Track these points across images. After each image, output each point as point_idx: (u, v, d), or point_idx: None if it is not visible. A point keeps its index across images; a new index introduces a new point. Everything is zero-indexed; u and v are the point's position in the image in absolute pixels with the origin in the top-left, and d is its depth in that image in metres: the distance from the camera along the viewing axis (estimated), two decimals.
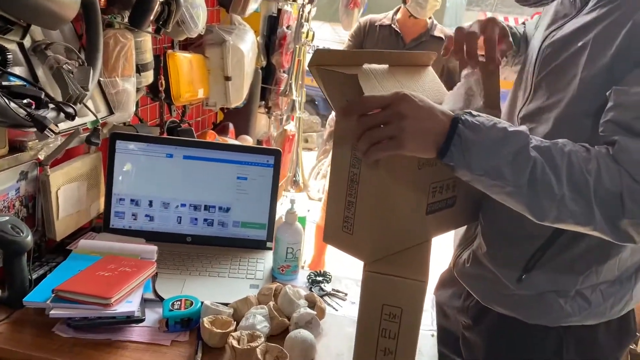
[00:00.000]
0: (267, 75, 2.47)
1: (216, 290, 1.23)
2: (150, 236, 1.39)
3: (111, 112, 1.27)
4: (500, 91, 1.05)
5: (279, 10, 2.44)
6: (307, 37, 2.72)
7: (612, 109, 0.84)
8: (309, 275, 1.35)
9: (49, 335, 1.03)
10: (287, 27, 2.48)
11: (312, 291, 1.26)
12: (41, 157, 1.21)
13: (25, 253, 1.09)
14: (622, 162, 0.78)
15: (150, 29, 1.40)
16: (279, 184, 1.48)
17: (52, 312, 1.02)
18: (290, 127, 2.96)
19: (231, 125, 2.17)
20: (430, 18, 2.85)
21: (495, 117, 0.86)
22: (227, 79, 1.86)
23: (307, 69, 0.99)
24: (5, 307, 1.09)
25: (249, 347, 0.97)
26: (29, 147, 1.17)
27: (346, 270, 1.50)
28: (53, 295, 1.04)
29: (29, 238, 1.09)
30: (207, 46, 1.84)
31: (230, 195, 1.43)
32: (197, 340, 1.04)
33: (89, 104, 1.19)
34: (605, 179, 0.79)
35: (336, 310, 1.23)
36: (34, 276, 1.16)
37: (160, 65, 1.60)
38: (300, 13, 2.64)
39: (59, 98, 1.05)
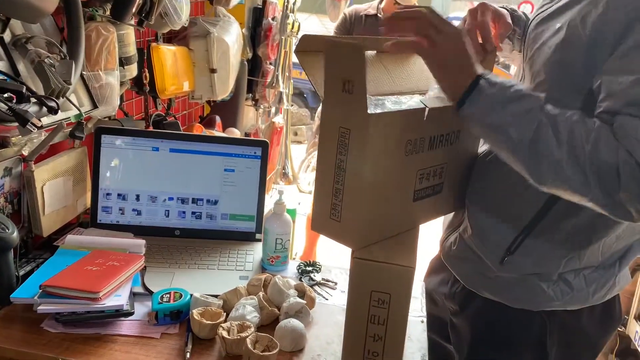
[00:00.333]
0: (254, 67, 2.46)
1: (205, 282, 1.23)
2: (138, 230, 1.38)
3: (95, 106, 1.26)
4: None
5: (264, 2, 2.43)
6: (292, 28, 2.71)
7: (604, 100, 0.84)
8: (299, 265, 1.35)
9: (37, 331, 1.02)
10: (273, 19, 2.47)
11: (301, 281, 1.26)
12: (25, 152, 1.20)
13: (11, 249, 1.09)
14: (620, 138, 0.79)
15: (132, 22, 1.39)
16: (268, 177, 1.47)
17: (40, 307, 1.01)
18: (278, 119, 2.95)
19: (218, 118, 2.16)
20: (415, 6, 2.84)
21: None
22: (213, 71, 1.85)
23: (295, 54, 0.97)
24: None
25: (239, 337, 0.97)
26: (12, 143, 1.16)
27: (337, 261, 1.50)
28: (40, 290, 1.03)
29: (15, 234, 1.08)
30: (191, 38, 1.82)
31: (218, 187, 1.43)
32: (187, 332, 1.04)
33: (72, 98, 1.18)
34: (603, 150, 0.79)
35: (326, 299, 1.23)
36: (21, 273, 1.16)
37: (144, 58, 1.59)
38: (285, 4, 2.62)
39: (41, 92, 1.04)
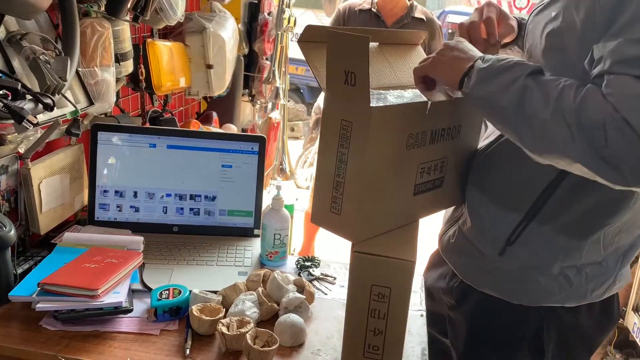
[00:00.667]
0: (250, 63, 2.45)
1: (204, 278, 1.22)
2: (136, 227, 1.38)
3: (91, 103, 1.25)
4: None
5: None
6: (289, 23, 2.70)
7: (595, 66, 0.83)
8: (298, 260, 1.35)
9: (36, 329, 1.02)
10: (269, 14, 2.46)
11: (300, 276, 1.26)
12: (21, 150, 1.19)
13: (8, 247, 1.08)
14: (608, 95, 0.78)
15: (127, 18, 1.38)
16: (265, 173, 1.47)
17: (38, 305, 1.01)
18: (275, 115, 2.94)
19: (215, 114, 2.15)
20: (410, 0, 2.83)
21: None
22: (209, 67, 1.84)
23: (298, 44, 0.97)
24: None
25: (238, 333, 0.97)
26: (8, 141, 1.15)
27: (336, 256, 1.50)
28: (39, 288, 1.03)
29: (12, 232, 1.07)
30: (187, 34, 1.82)
31: (215, 183, 1.42)
32: (187, 329, 1.04)
33: (68, 95, 1.17)
34: (590, 107, 0.78)
35: (325, 294, 1.23)
36: (19, 271, 1.15)
37: (140, 54, 1.58)
38: None
39: (37, 89, 1.03)
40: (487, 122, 1.15)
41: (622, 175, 0.77)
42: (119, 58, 1.37)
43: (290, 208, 2.37)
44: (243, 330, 0.98)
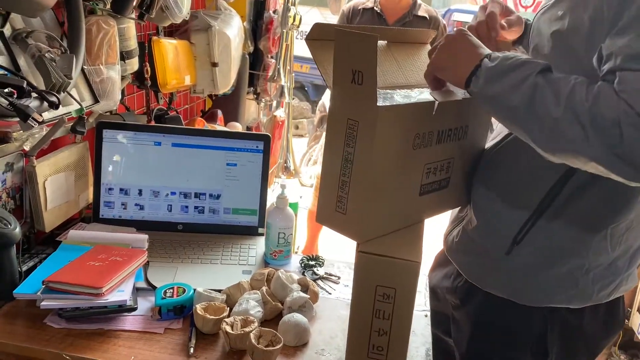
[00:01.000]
0: (255, 61, 2.45)
1: (208, 277, 1.22)
2: (140, 225, 1.38)
3: (96, 101, 1.25)
4: None
5: None
6: (294, 21, 2.69)
7: (605, 63, 0.83)
8: (302, 259, 1.35)
9: (40, 327, 1.02)
10: (274, 12, 2.45)
11: (304, 275, 1.26)
12: (26, 147, 1.19)
13: (14, 245, 1.08)
14: (621, 92, 0.77)
15: (133, 15, 1.38)
16: (270, 171, 1.47)
17: (43, 303, 1.01)
18: (280, 113, 2.94)
19: (220, 112, 2.15)
20: None
21: None
22: (214, 65, 1.83)
23: (306, 42, 0.97)
24: None
25: (242, 332, 0.97)
26: (13, 138, 1.15)
27: (339, 255, 1.50)
28: (43, 286, 1.03)
29: (17, 230, 1.07)
30: (192, 32, 1.81)
31: (220, 182, 1.42)
32: (191, 327, 1.04)
33: (73, 92, 1.17)
34: (603, 105, 0.77)
35: (329, 293, 1.23)
36: (24, 268, 1.15)
37: (146, 52, 1.57)
38: None
39: (42, 87, 1.03)
40: (494, 122, 1.14)
41: (638, 171, 0.76)
42: (125, 56, 1.37)
43: (294, 206, 2.37)
44: (247, 329, 0.98)
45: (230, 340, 0.97)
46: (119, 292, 1.06)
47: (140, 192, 1.40)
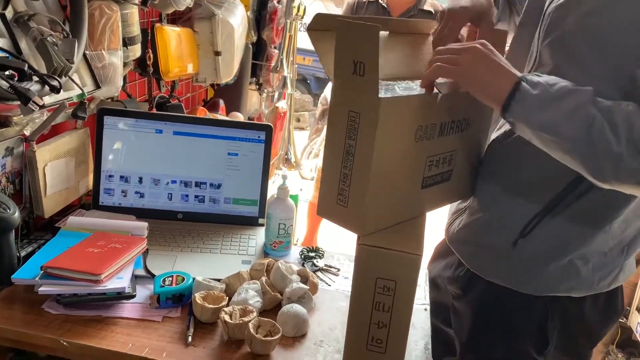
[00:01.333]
0: (258, 51, 2.43)
1: (208, 266, 1.22)
2: (140, 213, 1.37)
3: (98, 87, 1.24)
4: None
5: None
6: (298, 12, 2.68)
7: None
8: (302, 251, 1.34)
9: (38, 312, 1.01)
10: (278, 2, 2.43)
11: (304, 267, 1.25)
12: (27, 132, 1.18)
13: (12, 230, 1.08)
14: None
15: (136, 1, 1.37)
16: (271, 162, 1.46)
17: (41, 288, 1.01)
18: (282, 104, 2.93)
19: (222, 102, 2.14)
20: None
21: None
22: (217, 53, 1.82)
23: (307, 32, 0.95)
24: None
25: (241, 321, 0.96)
26: (13, 122, 1.14)
27: (338, 247, 1.49)
28: (42, 272, 1.03)
29: (17, 214, 1.07)
30: (196, 20, 1.80)
31: (221, 171, 1.42)
32: (189, 316, 1.03)
33: (75, 77, 1.16)
34: None
35: (329, 285, 1.22)
36: (22, 254, 1.15)
37: (148, 39, 1.56)
38: None
39: (43, 71, 1.02)
40: (496, 113, 1.12)
41: None
42: (127, 42, 1.36)
43: (294, 198, 2.36)
44: (246, 319, 0.97)
45: (229, 329, 0.97)
46: (118, 280, 1.05)
47: (140, 180, 1.40)
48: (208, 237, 1.34)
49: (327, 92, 3.69)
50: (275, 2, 2.41)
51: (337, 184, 0.90)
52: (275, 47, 2.52)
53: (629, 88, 0.84)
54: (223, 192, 1.42)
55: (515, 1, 1.20)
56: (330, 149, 0.90)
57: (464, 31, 1.09)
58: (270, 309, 1.08)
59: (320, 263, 1.30)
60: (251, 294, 1.05)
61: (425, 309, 1.16)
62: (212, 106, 2.12)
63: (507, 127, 1.06)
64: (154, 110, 1.68)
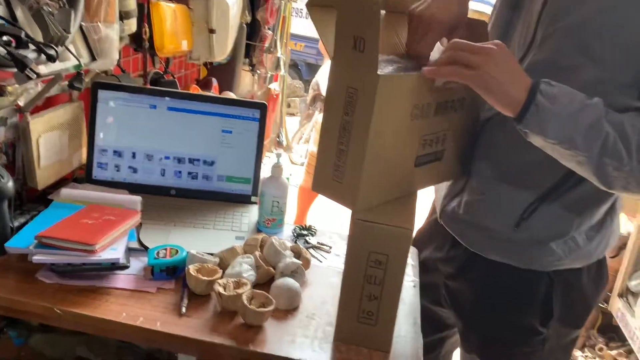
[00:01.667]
0: (252, 31, 2.43)
1: (201, 241, 1.23)
2: (133, 188, 1.37)
3: (94, 59, 1.24)
4: None
5: None
6: None
7: None
8: (294, 229, 1.36)
9: (32, 281, 1.02)
10: None
11: (297, 243, 1.27)
12: (21, 103, 1.18)
13: (6, 199, 1.07)
14: None
15: None
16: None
17: (35, 257, 1.01)
18: (274, 86, 2.92)
19: (215, 81, 2.13)
20: None
21: None
22: (212, 31, 1.81)
23: (307, 7, 0.95)
24: None
25: (235, 293, 0.98)
26: (8, 92, 1.14)
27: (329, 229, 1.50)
28: (36, 241, 1.03)
29: (10, 184, 1.07)
30: None
31: (215, 148, 1.42)
32: (183, 288, 1.04)
33: (71, 48, 1.15)
34: None
35: (321, 262, 1.24)
36: (15, 224, 1.15)
37: (145, 14, 1.55)
38: None
39: (40, 40, 1.01)
40: None
41: None
42: (123, 16, 1.35)
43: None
44: (239, 291, 0.98)
45: (223, 301, 0.98)
46: (112, 250, 1.06)
47: (134, 155, 1.40)
48: (201, 213, 1.35)
49: (319, 77, 3.69)
50: None
51: (333, 160, 0.91)
52: (269, 28, 2.51)
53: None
54: (216, 169, 1.43)
55: None
56: (327, 124, 0.90)
57: None
58: (264, 283, 1.09)
59: (312, 240, 1.31)
60: (245, 268, 1.06)
61: (414, 286, 1.18)
62: (205, 85, 2.12)
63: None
64: (149, 86, 1.68)
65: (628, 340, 2.38)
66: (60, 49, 1.03)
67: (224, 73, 2.25)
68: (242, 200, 1.44)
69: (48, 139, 1.25)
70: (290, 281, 1.05)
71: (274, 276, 1.10)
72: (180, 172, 1.42)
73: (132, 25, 1.41)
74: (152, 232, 1.23)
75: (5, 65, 0.91)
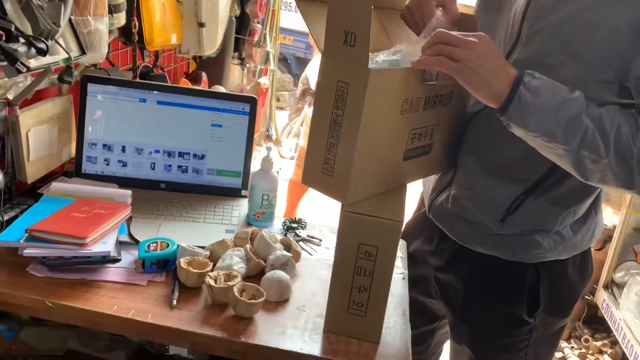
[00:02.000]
0: (241, 25, 2.42)
1: (192, 234, 1.23)
2: (123, 182, 1.37)
3: (83, 52, 1.23)
4: None
5: None
6: None
7: None
8: (284, 222, 1.37)
9: (23, 275, 1.02)
10: None
11: (287, 236, 1.28)
12: (10, 96, 1.17)
13: None
14: None
15: None
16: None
17: (26, 251, 1.01)
18: (264, 80, 2.92)
19: (204, 75, 2.13)
20: None
21: None
22: (201, 25, 1.81)
23: (296, 2, 0.96)
24: None
25: (226, 285, 0.99)
26: None
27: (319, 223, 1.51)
28: (27, 234, 1.03)
29: (0, 177, 1.06)
30: None
31: (204, 142, 1.42)
32: (174, 281, 1.05)
33: (60, 42, 1.15)
34: None
35: (311, 254, 1.25)
36: (5, 218, 1.15)
37: (134, 7, 1.55)
38: None
39: (29, 33, 1.01)
40: None
41: None
42: (112, 9, 1.35)
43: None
44: (230, 283, 0.99)
45: (214, 293, 0.99)
46: (103, 244, 1.06)
47: (123, 149, 1.40)
48: (191, 207, 1.36)
49: (308, 71, 3.69)
50: None
51: (324, 153, 0.92)
52: (258, 22, 2.51)
53: (622, 75, 0.90)
54: (206, 163, 1.43)
55: None
56: (317, 118, 0.91)
57: None
58: (254, 275, 1.10)
59: (302, 233, 1.32)
60: (235, 260, 1.07)
61: (404, 278, 1.20)
62: (194, 79, 2.11)
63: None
64: (138, 80, 1.67)
65: (613, 332, 2.43)
66: (50, 42, 1.02)
67: (214, 67, 2.25)
68: (232, 193, 1.45)
69: (37, 133, 1.25)
70: (280, 273, 1.06)
71: (264, 269, 1.11)
72: (170, 165, 1.42)
73: (121, 18, 1.41)
74: (143, 225, 1.23)
75: None
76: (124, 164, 1.40)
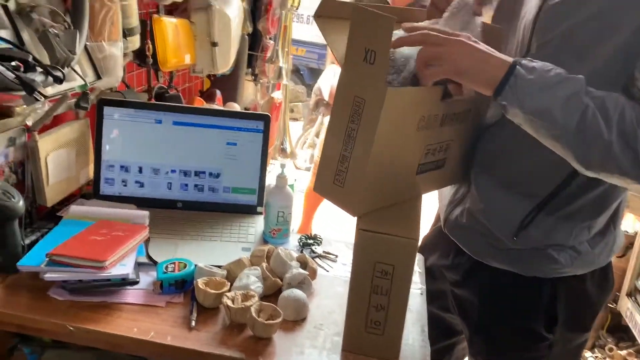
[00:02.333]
0: (254, 42, 2.45)
1: (209, 253, 1.24)
2: (141, 202, 1.39)
3: (98, 77, 1.26)
4: None
5: None
6: (293, 3, 2.69)
7: None
8: (300, 238, 1.37)
9: (44, 298, 1.03)
10: None
11: (303, 253, 1.28)
12: (29, 123, 1.20)
13: (17, 218, 1.09)
14: None
15: None
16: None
17: (46, 275, 1.03)
18: (277, 95, 2.94)
19: (219, 93, 2.16)
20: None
21: None
22: (214, 44, 1.84)
23: (314, 18, 0.96)
24: None
25: (243, 306, 0.99)
26: (16, 113, 1.16)
27: (335, 235, 1.52)
28: (47, 259, 1.05)
29: (21, 203, 1.08)
30: (192, 11, 1.81)
31: (220, 160, 1.44)
32: (192, 301, 1.06)
33: (77, 68, 1.18)
34: None
35: (327, 271, 1.25)
36: (26, 242, 1.17)
37: (147, 30, 1.58)
38: None
39: (46, 62, 1.04)
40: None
41: None
42: (126, 33, 1.37)
43: (291, 187, 2.38)
44: (248, 303, 1.00)
45: (231, 313, 1.00)
46: (121, 266, 1.08)
47: (140, 170, 1.42)
48: (208, 226, 1.37)
49: (321, 82, 3.71)
50: None
51: (336, 165, 0.92)
52: (270, 38, 2.54)
53: (625, 83, 0.88)
54: (222, 181, 1.45)
55: None
56: (332, 129, 0.92)
57: None
58: (271, 294, 1.11)
59: (318, 250, 1.32)
60: (252, 280, 1.07)
61: (422, 293, 1.19)
62: (208, 97, 2.14)
63: (495, 118, 1.08)
64: (153, 101, 1.70)
65: (638, 340, 2.38)
66: (66, 70, 1.05)
67: (227, 84, 2.27)
68: (248, 210, 1.46)
69: (56, 157, 1.27)
70: (297, 292, 1.06)
71: (281, 287, 1.12)
72: (186, 185, 1.44)
73: (135, 41, 1.43)
74: (161, 245, 1.24)
75: (14, 89, 0.93)
76: (141, 185, 1.42)
